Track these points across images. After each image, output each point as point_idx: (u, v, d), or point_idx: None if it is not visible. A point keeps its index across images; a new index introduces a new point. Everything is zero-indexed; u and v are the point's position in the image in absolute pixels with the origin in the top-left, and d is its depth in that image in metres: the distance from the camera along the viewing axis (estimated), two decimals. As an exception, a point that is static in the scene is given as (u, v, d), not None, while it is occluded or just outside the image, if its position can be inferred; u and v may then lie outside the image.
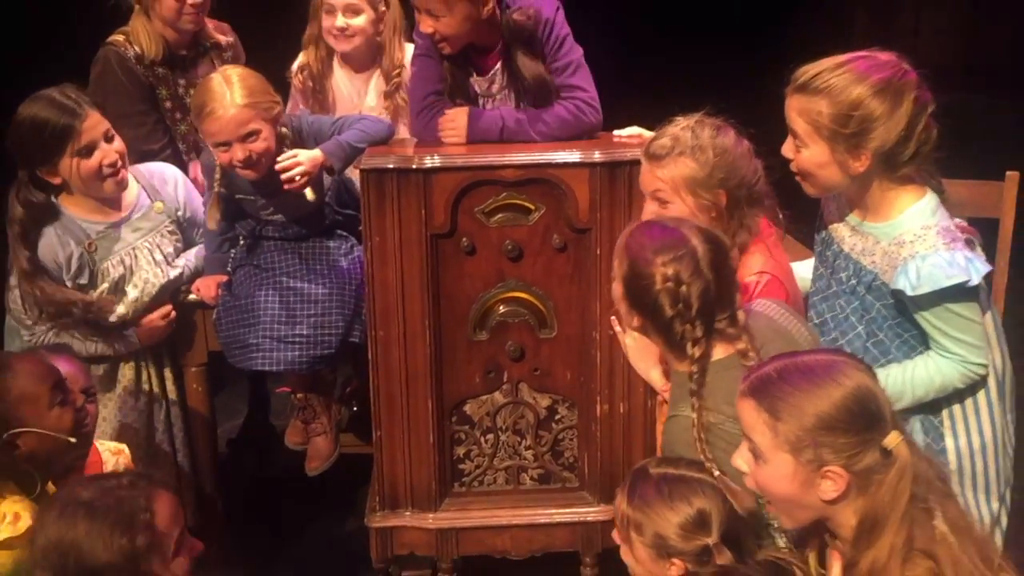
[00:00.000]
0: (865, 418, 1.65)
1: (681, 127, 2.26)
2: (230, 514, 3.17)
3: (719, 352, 1.99)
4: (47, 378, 2.16)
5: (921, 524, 1.65)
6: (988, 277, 2.19)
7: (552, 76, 2.63)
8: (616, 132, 2.62)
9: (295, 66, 3.18)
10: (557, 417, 2.64)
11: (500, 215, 2.48)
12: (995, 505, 2.26)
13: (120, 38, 3.05)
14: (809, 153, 2.13)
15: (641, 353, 2.30)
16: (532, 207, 2.48)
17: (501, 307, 2.54)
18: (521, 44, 2.59)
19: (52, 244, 2.72)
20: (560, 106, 2.61)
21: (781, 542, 1.93)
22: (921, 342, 2.20)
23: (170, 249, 2.87)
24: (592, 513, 2.64)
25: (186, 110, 3.08)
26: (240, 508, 3.32)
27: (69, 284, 2.75)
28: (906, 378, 2.17)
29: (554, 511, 2.65)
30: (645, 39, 6.70)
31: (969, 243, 2.17)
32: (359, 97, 3.18)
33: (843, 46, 2.19)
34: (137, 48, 3.03)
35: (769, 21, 5.71)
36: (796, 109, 2.12)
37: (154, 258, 2.83)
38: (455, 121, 2.60)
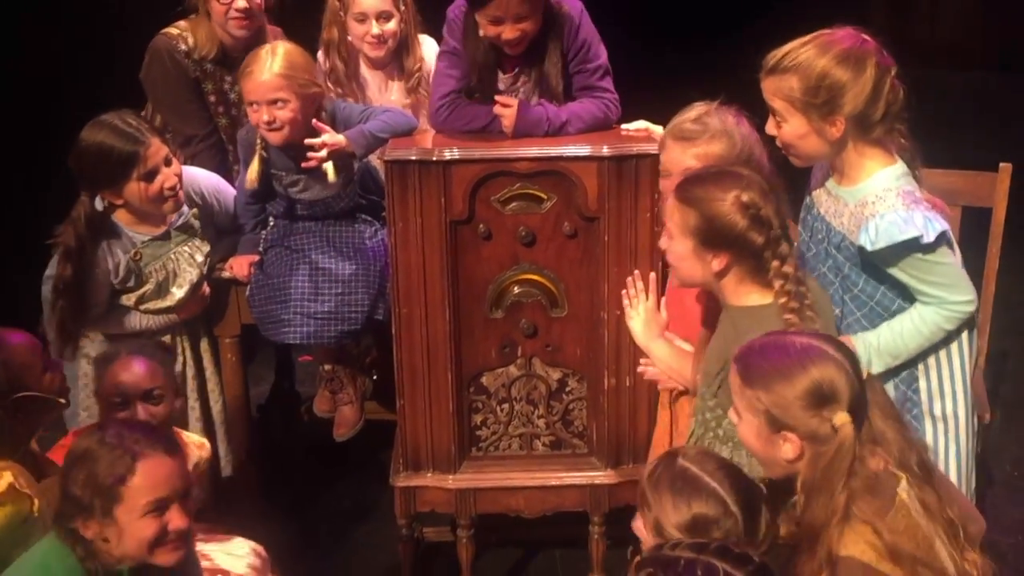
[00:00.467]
0: (819, 399, 1.77)
1: (705, 112, 2.35)
2: (262, 476, 3.26)
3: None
4: (37, 346, 2.30)
5: (877, 495, 1.76)
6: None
7: (578, 76, 2.67)
8: (623, 126, 2.67)
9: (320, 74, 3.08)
10: (567, 389, 2.71)
11: (515, 204, 2.55)
12: (964, 448, 2.32)
13: (174, 31, 3.10)
14: (789, 127, 2.22)
15: (646, 328, 2.43)
16: (544, 197, 2.54)
17: (516, 288, 2.61)
18: (552, 37, 2.61)
19: (103, 251, 2.81)
20: (592, 104, 2.66)
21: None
22: (897, 297, 2.27)
23: (207, 248, 2.96)
24: (600, 477, 2.71)
25: (229, 105, 3.16)
26: (271, 471, 3.40)
27: (118, 287, 2.85)
28: (895, 335, 2.24)
29: (564, 474, 2.73)
30: (655, 34, 6.56)
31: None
32: (380, 93, 3.20)
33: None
34: (190, 42, 3.08)
35: (784, 10, 5.73)
36: (770, 90, 2.22)
37: (195, 259, 2.92)
38: (508, 107, 2.60)
